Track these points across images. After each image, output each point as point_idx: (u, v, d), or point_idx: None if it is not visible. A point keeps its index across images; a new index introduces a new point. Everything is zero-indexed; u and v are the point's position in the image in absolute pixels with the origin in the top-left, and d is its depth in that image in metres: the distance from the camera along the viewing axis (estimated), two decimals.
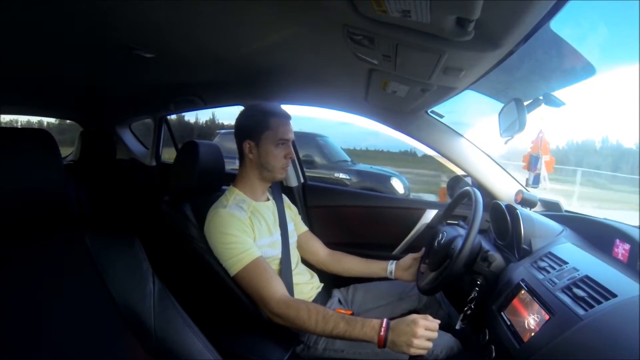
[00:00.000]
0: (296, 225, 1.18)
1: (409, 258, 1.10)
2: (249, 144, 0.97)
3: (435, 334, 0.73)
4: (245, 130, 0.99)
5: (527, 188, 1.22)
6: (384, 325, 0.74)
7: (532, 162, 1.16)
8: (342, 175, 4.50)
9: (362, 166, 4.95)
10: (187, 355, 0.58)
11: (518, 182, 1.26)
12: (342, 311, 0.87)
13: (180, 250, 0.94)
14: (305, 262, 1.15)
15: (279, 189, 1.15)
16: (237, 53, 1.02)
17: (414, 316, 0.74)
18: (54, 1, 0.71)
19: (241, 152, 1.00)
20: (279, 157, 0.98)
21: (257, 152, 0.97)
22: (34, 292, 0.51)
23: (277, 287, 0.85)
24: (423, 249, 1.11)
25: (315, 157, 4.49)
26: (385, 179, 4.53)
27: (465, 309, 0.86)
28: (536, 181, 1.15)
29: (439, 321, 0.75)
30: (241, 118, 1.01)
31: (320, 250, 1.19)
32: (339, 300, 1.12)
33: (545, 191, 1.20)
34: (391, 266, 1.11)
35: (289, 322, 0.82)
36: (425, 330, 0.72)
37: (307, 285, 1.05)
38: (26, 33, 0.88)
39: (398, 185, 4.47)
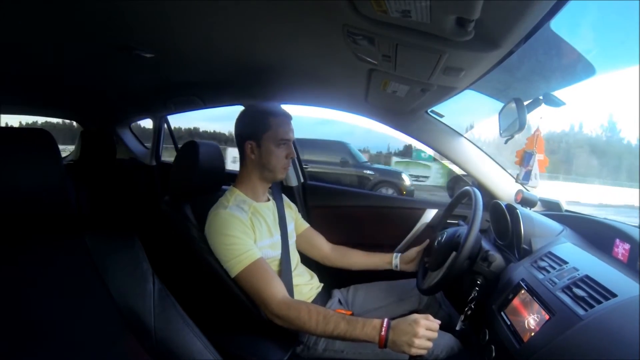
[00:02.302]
0: (297, 222, 1.18)
1: (413, 251, 1.14)
2: (250, 144, 0.97)
3: (435, 334, 0.73)
4: (246, 131, 0.99)
5: (526, 187, 1.21)
6: (384, 325, 0.74)
7: (525, 159, 1.15)
8: (368, 172, 5.89)
9: (377, 165, 6.68)
10: (187, 355, 0.58)
11: (511, 175, 1.26)
12: (342, 312, 0.87)
13: (180, 250, 0.94)
14: (305, 262, 1.15)
15: (279, 189, 1.15)
16: (236, 53, 1.02)
17: (415, 316, 0.74)
18: (54, 1, 0.71)
19: (242, 153, 1.00)
20: (280, 157, 0.98)
21: (258, 153, 0.97)
22: (34, 292, 0.51)
23: (278, 289, 0.85)
24: (427, 241, 1.13)
25: (349, 159, 5.97)
26: (398, 174, 6.09)
27: (466, 309, 0.86)
28: (527, 177, 1.15)
29: (439, 321, 0.75)
30: (242, 119, 1.01)
31: (323, 246, 1.20)
32: (339, 301, 1.12)
33: (535, 189, 1.20)
34: (396, 260, 1.14)
35: (289, 323, 0.82)
36: (426, 330, 0.71)
37: (306, 285, 1.05)
38: (26, 33, 0.88)
39: (406, 179, 5.93)
